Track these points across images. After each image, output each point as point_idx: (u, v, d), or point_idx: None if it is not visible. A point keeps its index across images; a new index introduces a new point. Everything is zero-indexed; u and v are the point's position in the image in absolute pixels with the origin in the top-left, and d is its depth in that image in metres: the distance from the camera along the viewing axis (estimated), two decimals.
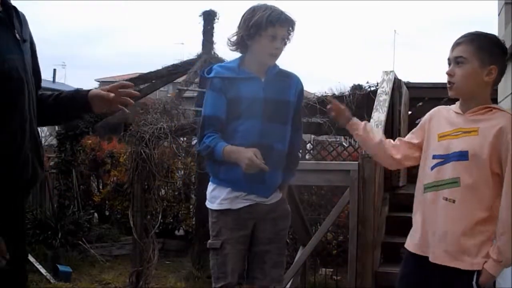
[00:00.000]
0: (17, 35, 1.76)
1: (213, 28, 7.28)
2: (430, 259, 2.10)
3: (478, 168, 2.02)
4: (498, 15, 3.63)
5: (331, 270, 6.49)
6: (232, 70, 2.43)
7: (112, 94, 1.89)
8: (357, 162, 3.65)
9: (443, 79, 2.19)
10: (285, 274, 4.29)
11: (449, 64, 2.11)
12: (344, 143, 9.35)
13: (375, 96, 4.50)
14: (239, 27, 2.42)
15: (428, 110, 2.31)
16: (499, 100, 3.70)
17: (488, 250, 2.02)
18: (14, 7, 1.81)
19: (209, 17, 7.35)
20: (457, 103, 2.19)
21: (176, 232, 8.54)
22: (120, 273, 6.78)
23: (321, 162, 5.77)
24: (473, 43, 2.06)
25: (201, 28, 7.40)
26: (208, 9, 7.35)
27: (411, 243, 2.21)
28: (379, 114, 4.11)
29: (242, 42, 2.42)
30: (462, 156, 2.03)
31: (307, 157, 7.69)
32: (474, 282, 2.02)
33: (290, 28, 2.41)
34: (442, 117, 2.18)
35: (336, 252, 6.61)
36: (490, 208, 2.03)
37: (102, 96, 1.90)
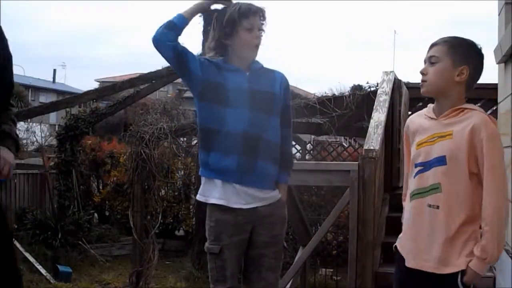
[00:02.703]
0: None
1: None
2: (417, 267, 2.11)
3: (457, 171, 2.03)
4: (498, 15, 3.63)
5: (331, 270, 6.49)
6: (218, 62, 2.46)
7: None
8: (357, 163, 3.65)
9: None
10: (285, 274, 4.30)
11: (425, 64, 2.16)
12: (344, 144, 9.36)
13: (375, 96, 4.50)
14: (213, 30, 2.45)
15: None
16: (499, 100, 3.69)
17: (471, 248, 2.02)
18: None
19: (209, 17, 7.34)
20: (429, 105, 2.21)
21: (176, 232, 8.54)
22: (120, 273, 6.79)
23: (321, 162, 5.76)
24: (446, 43, 2.10)
25: (201, 28, 7.39)
26: None
27: (398, 245, 2.23)
28: (379, 114, 4.11)
29: (220, 44, 2.44)
30: (440, 161, 2.05)
31: (307, 157, 7.70)
32: (459, 282, 2.01)
33: (262, 17, 2.43)
34: (416, 125, 2.21)
35: (336, 252, 6.62)
36: (472, 208, 2.04)
37: None
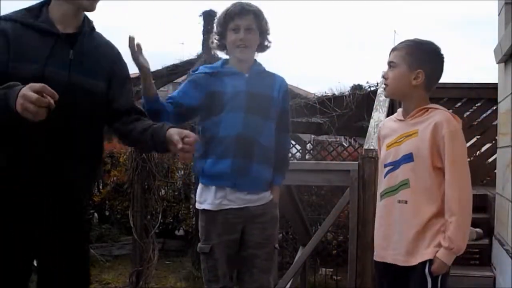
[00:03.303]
0: (71, 55, 1.93)
1: (213, 28, 7.24)
2: (388, 261, 2.21)
3: (423, 167, 2.13)
4: (498, 15, 3.63)
5: (331, 270, 6.49)
6: (216, 68, 2.50)
7: (180, 145, 1.88)
8: (357, 162, 3.64)
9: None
10: (285, 274, 4.30)
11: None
12: (344, 143, 9.36)
13: (375, 96, 4.50)
14: (215, 28, 2.54)
15: None
16: (499, 100, 3.70)
17: (439, 240, 2.09)
18: (94, 37, 2.05)
19: (209, 17, 7.34)
20: (399, 110, 2.33)
21: (176, 232, 8.54)
22: (120, 273, 6.78)
23: (321, 162, 5.75)
24: (404, 49, 2.22)
25: (201, 28, 7.41)
26: (208, 9, 7.34)
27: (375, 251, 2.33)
28: (379, 114, 4.11)
29: (220, 43, 2.52)
30: (407, 158, 2.16)
31: (307, 157, 7.69)
32: (426, 271, 2.08)
33: (253, 17, 2.44)
34: (387, 128, 2.35)
35: (336, 252, 6.61)
36: (440, 202, 2.12)
37: (172, 142, 1.91)
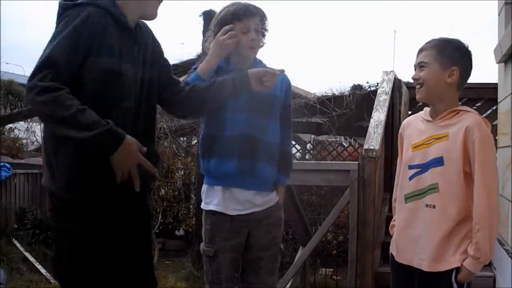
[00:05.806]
0: (135, 52, 2.05)
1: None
2: (412, 265, 2.16)
3: (453, 171, 2.08)
4: (498, 15, 3.64)
5: (331, 270, 6.49)
6: (220, 63, 2.44)
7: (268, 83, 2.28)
8: (357, 162, 3.65)
9: None
10: (285, 274, 4.30)
11: (415, 70, 2.21)
12: (344, 143, 9.37)
13: (375, 96, 4.50)
14: (213, 29, 2.44)
15: None
16: (499, 100, 3.70)
17: (466, 247, 2.06)
18: (141, 26, 2.14)
19: (209, 17, 7.33)
20: (426, 109, 2.27)
21: (176, 232, 8.53)
22: None
23: (321, 162, 5.75)
24: (433, 48, 2.16)
25: (201, 28, 7.40)
26: (208, 9, 7.34)
27: (393, 250, 2.28)
28: (379, 114, 4.11)
29: None
30: (437, 162, 2.11)
31: (307, 157, 7.69)
32: (453, 280, 2.05)
33: (259, 19, 2.39)
34: (413, 127, 2.28)
35: (336, 252, 6.61)
36: (467, 208, 2.08)
37: (259, 77, 2.27)
